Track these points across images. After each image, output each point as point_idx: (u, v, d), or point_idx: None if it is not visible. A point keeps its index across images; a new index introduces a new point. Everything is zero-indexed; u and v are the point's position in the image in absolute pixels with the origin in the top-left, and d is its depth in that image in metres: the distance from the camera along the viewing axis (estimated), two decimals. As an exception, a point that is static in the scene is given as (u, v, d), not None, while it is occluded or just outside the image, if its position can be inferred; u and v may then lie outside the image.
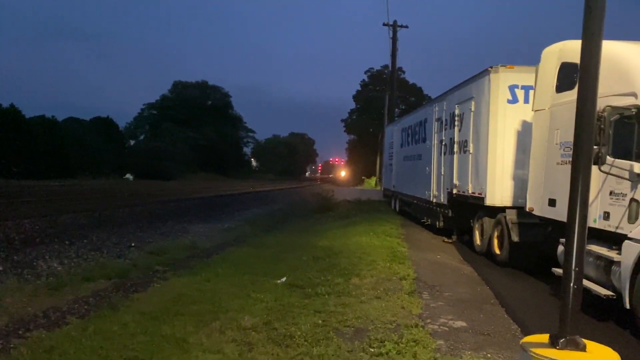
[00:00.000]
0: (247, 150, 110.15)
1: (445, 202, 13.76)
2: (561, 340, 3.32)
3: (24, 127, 47.36)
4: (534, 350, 3.27)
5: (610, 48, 6.79)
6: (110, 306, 6.28)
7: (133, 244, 11.57)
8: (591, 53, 3.46)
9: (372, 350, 4.91)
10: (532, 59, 8.93)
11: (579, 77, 3.55)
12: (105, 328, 5.32)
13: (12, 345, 4.96)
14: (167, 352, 4.74)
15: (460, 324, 6.04)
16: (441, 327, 5.86)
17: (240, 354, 4.73)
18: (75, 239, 11.68)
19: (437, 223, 14.71)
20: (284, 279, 7.76)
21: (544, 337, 3.49)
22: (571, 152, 3.81)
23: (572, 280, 3.43)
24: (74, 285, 7.50)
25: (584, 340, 3.39)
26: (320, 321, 5.72)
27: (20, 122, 47.91)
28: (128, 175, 62.85)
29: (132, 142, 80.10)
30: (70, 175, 49.24)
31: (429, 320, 6.04)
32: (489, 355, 4.93)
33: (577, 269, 3.43)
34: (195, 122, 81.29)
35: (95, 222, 15.07)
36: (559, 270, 7.08)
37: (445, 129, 14.09)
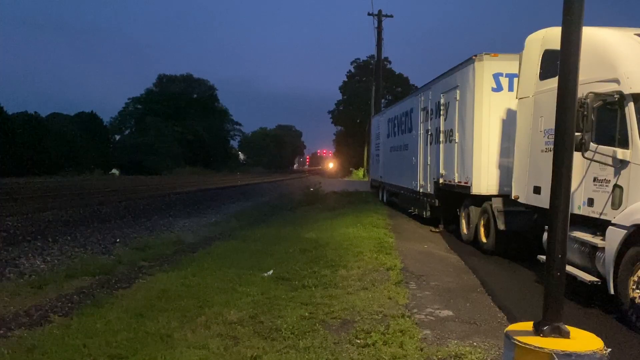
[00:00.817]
0: (234, 143, 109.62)
1: (432, 192, 13.79)
2: (545, 328, 3.32)
3: (6, 124, 46.67)
4: (518, 338, 3.26)
5: (593, 34, 6.81)
6: (94, 303, 6.19)
7: (118, 240, 11.44)
8: (571, 40, 3.43)
9: (359, 341, 4.89)
10: (518, 46, 8.93)
11: (560, 64, 3.52)
12: (88, 325, 5.24)
13: (-8, 345, 4.87)
14: (151, 348, 4.67)
15: (446, 313, 6.05)
16: (428, 316, 5.87)
17: (225, 349, 4.68)
18: (59, 236, 11.51)
19: (424, 213, 14.75)
20: (270, 272, 7.71)
21: (529, 325, 3.48)
22: (555, 140, 3.79)
23: (555, 267, 3.42)
24: (58, 283, 7.37)
25: (568, 327, 3.39)
26: (306, 313, 5.69)
27: (2, 118, 47.20)
28: (114, 171, 62.28)
29: (117, 137, 79.32)
30: (54, 171, 48.64)
31: (415, 310, 6.04)
32: (475, 343, 4.94)
33: (560, 256, 3.43)
34: (181, 116, 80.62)
35: (79, 219, 14.87)
36: (544, 258, 7.11)
37: (431, 119, 14.09)
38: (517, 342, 3.25)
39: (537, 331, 3.36)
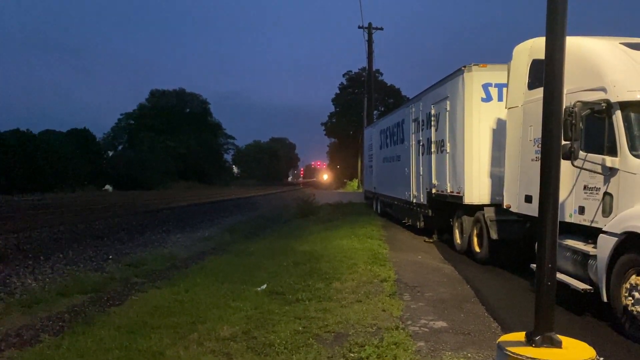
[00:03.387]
0: (228, 157, 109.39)
1: (425, 202, 13.80)
2: (537, 338, 3.32)
3: (-2, 141, 46.43)
4: (510, 349, 3.25)
5: (579, 44, 6.88)
6: (86, 321, 6.14)
7: (111, 257, 11.37)
8: (555, 49, 3.47)
9: (352, 355, 4.87)
10: (507, 57, 9.00)
11: (544, 73, 3.56)
12: (79, 344, 5.19)
13: (-19, 367, 4.81)
14: (143, 366, 4.63)
15: (440, 324, 6.02)
16: (422, 328, 5.84)
17: (218, 365, 4.64)
18: (51, 254, 11.43)
19: (418, 223, 14.74)
20: (264, 286, 7.67)
21: (521, 335, 3.48)
22: (544, 149, 3.81)
23: (546, 277, 3.42)
24: (49, 302, 7.32)
25: (560, 336, 3.39)
26: (300, 328, 5.65)
27: (-6, 136, 46.99)
28: (107, 187, 61.94)
29: (110, 153, 79.00)
30: (47, 188, 48.32)
31: (409, 322, 6.01)
32: (469, 355, 4.92)
33: (550, 265, 3.43)
34: (174, 131, 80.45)
35: (72, 236, 14.77)
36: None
37: (422, 129, 14.15)
38: (509, 353, 3.24)
39: (529, 341, 3.36)
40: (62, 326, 6.13)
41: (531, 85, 8.06)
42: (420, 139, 14.33)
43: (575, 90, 6.53)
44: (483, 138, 10.52)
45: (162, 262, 10.78)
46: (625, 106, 6.11)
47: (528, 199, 7.98)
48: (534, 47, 8.07)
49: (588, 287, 6.37)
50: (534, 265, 7.38)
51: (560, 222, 3.65)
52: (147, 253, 12.04)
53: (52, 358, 4.86)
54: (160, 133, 78.71)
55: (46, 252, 11.72)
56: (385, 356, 4.78)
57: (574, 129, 5.82)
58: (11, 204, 28.51)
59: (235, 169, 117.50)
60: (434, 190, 12.92)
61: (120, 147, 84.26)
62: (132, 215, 22.66)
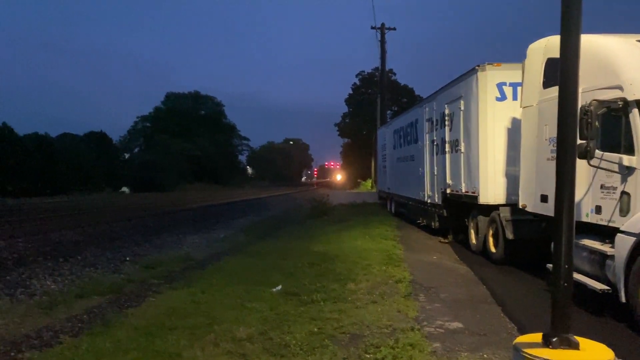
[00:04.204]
0: (242, 158, 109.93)
1: (440, 202, 13.75)
2: (554, 339, 3.29)
3: (17, 145, 47.17)
4: (526, 350, 3.23)
5: (595, 42, 6.82)
6: (104, 323, 6.21)
7: (128, 258, 11.49)
8: (570, 47, 3.44)
9: (368, 356, 4.87)
10: (522, 55, 8.94)
11: (560, 72, 3.53)
12: (98, 346, 5.25)
13: (3, 368, 4.91)
14: (160, 367, 4.69)
15: (456, 325, 6.00)
16: (437, 329, 5.83)
17: (234, 366, 4.68)
18: (69, 256, 11.58)
19: (433, 223, 14.69)
20: (279, 287, 7.71)
21: (538, 337, 3.45)
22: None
23: (562, 278, 3.40)
24: (68, 303, 7.42)
25: (577, 337, 3.36)
26: (315, 329, 5.67)
27: (14, 140, 47.73)
28: (124, 189, 62.62)
29: (126, 156, 79.83)
30: (65, 191, 48.99)
31: (425, 323, 6.00)
32: (485, 355, 4.90)
33: (566, 265, 3.40)
34: (189, 133, 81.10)
35: (89, 238, 14.96)
36: (553, 266, 7.05)
37: (436, 129, 14.09)
38: (526, 355, 3.22)
39: (546, 343, 3.33)
40: (81, 327, 6.21)
41: (546, 84, 8.00)
42: (435, 138, 14.27)
43: (591, 88, 6.47)
44: (498, 137, 10.46)
45: (178, 263, 10.87)
46: (642, 104, 6.03)
47: (544, 198, 7.91)
48: (549, 45, 8.01)
49: (606, 287, 6.30)
50: (550, 265, 7.32)
51: (576, 221, 3.62)
52: (164, 254, 12.16)
53: (72, 359, 4.93)
54: (176, 135, 79.37)
55: (65, 254, 11.88)
56: (401, 357, 4.77)
57: (590, 127, 5.77)
58: (31, 208, 28.94)
59: (249, 170, 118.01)
60: (448, 190, 12.86)
61: (136, 150, 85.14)
62: (149, 217, 22.89)
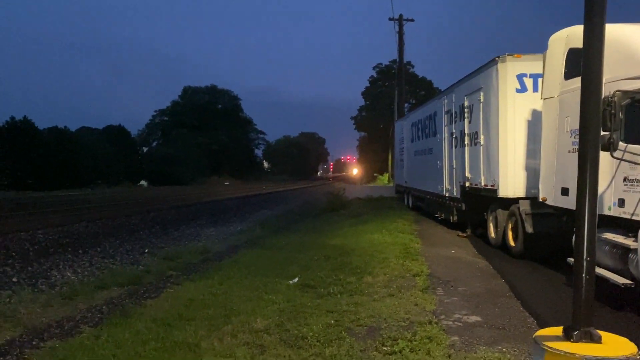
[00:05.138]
0: (259, 152, 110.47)
1: (458, 196, 13.63)
2: (575, 333, 3.23)
3: (37, 139, 48.00)
4: (547, 343, 3.18)
5: (618, 31, 6.67)
6: (123, 313, 6.29)
7: (146, 250, 11.62)
8: (594, 36, 3.36)
9: (385, 349, 4.85)
10: (542, 46, 8.78)
11: (582, 62, 3.45)
12: (117, 336, 5.32)
13: (25, 356, 4.99)
14: (179, 357, 4.73)
15: (474, 318, 5.95)
16: (455, 322, 5.78)
17: (252, 357, 4.70)
18: (89, 248, 11.75)
19: (451, 217, 14.58)
20: (296, 280, 7.72)
21: (558, 330, 3.40)
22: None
23: (584, 271, 3.33)
24: (88, 294, 7.53)
25: (599, 331, 3.30)
26: (332, 321, 5.67)
27: (34, 134, 48.56)
28: (143, 182, 63.41)
29: (144, 149, 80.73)
30: (84, 184, 49.73)
31: (443, 317, 5.96)
32: (504, 349, 4.85)
33: (588, 258, 3.34)
34: (206, 127, 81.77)
35: (108, 230, 15.16)
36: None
37: (455, 122, 13.95)
38: (546, 348, 3.17)
39: (567, 336, 3.28)
40: (101, 318, 6.30)
41: (568, 75, 7.85)
42: (453, 131, 14.13)
43: (614, 79, 6.32)
44: (518, 130, 10.31)
45: (196, 255, 10.97)
46: (668, 95, 5.89)
47: (565, 191, 7.79)
48: (571, 35, 7.85)
49: (629, 281, 6.19)
50: (571, 259, 7.21)
51: (598, 215, 3.54)
52: (182, 247, 12.27)
53: (92, 348, 5.00)
54: (193, 129, 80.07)
55: (85, 246, 12.06)
56: (419, 350, 4.75)
57: (614, 119, 5.65)
58: (51, 200, 29.43)
59: (265, 164, 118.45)
60: (467, 184, 12.74)
61: (154, 144, 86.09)
62: (167, 209, 23.11)
